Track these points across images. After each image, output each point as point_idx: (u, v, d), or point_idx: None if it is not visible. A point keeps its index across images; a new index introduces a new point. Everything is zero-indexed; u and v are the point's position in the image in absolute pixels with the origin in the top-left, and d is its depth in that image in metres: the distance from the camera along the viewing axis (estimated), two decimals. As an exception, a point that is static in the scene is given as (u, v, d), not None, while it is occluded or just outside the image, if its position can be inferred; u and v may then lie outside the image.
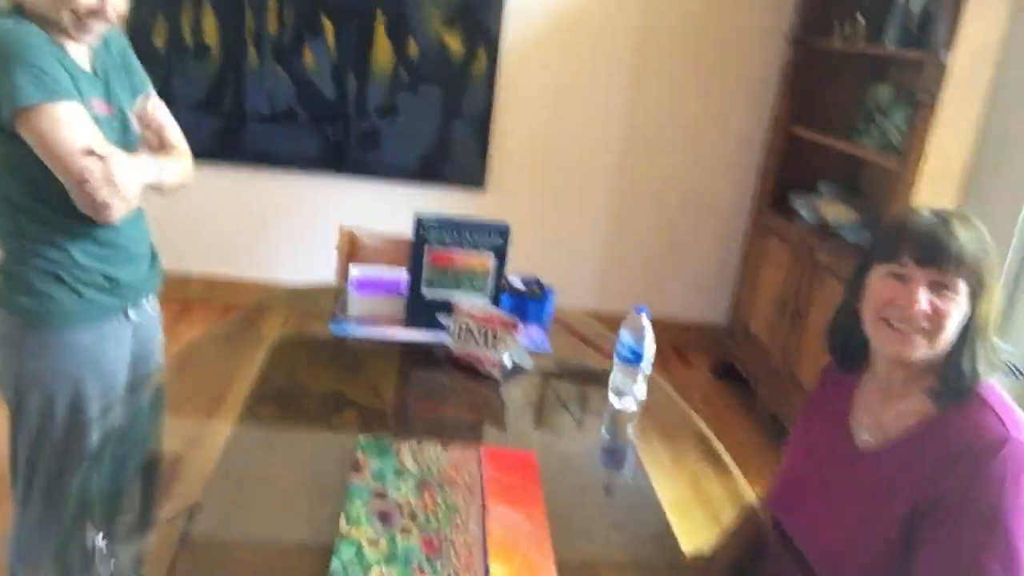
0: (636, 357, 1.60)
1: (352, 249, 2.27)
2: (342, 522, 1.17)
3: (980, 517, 1.06)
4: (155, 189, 1.52)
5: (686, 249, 3.92)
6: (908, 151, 2.59)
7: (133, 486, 1.43)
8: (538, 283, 2.10)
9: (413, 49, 3.51)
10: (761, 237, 3.48)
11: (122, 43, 1.61)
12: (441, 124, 3.60)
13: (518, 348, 1.76)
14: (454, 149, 3.64)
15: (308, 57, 3.49)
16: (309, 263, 3.74)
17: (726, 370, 3.71)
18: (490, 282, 1.87)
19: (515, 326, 1.68)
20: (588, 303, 3.94)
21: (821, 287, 2.94)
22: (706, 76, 3.66)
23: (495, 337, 1.69)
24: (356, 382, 1.69)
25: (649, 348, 1.61)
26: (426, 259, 1.84)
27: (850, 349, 1.31)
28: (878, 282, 1.20)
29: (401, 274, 2.03)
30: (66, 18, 1.37)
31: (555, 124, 3.69)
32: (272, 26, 3.44)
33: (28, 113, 1.33)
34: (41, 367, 1.47)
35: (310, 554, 1.13)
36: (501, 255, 1.85)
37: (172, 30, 3.41)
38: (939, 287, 1.15)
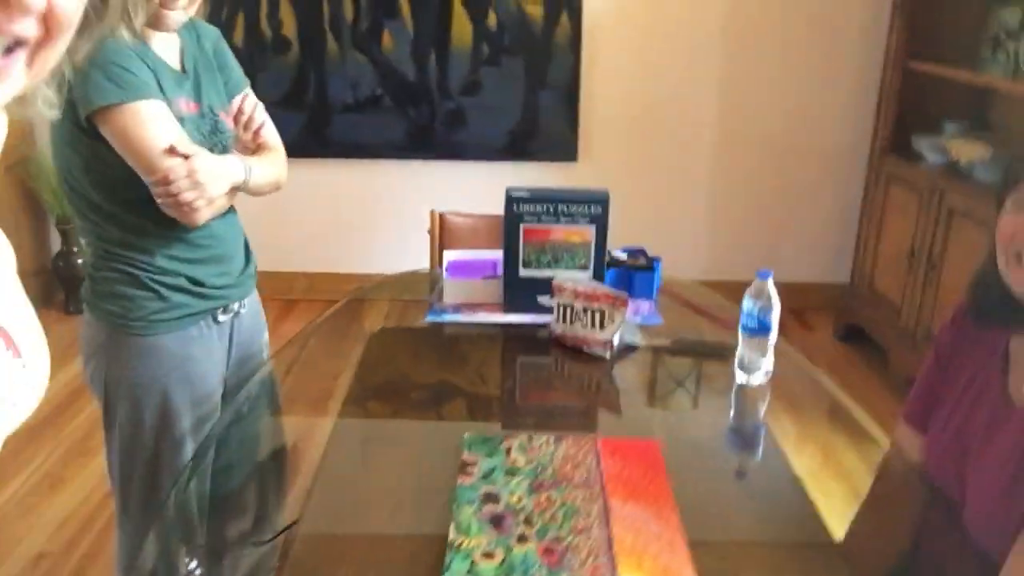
0: (763, 327, 1.43)
1: (444, 233, 2.17)
2: (452, 531, 1.06)
3: None
4: (244, 190, 1.45)
5: (799, 204, 3.66)
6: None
7: (246, 491, 1.38)
8: (644, 253, 1.94)
9: (492, 20, 3.37)
10: (883, 185, 3.20)
11: (217, 40, 1.55)
12: (527, 97, 3.46)
13: (627, 324, 1.61)
14: (542, 122, 3.50)
15: (387, 40, 3.41)
16: (406, 251, 3.65)
17: (852, 332, 3.45)
18: (592, 256, 1.73)
19: (623, 301, 1.54)
20: (697, 272, 3.72)
21: (956, 235, 2.67)
22: (809, 14, 3.39)
23: (602, 315, 1.55)
24: (459, 370, 1.59)
25: (776, 316, 1.44)
26: (521, 237, 1.71)
27: (994, 301, 1.12)
28: (1005, 216, 1.07)
29: (496, 255, 1.91)
30: (142, 4, 1.31)
31: (647, 85, 3.49)
32: (349, 13, 3.37)
33: (109, 112, 1.28)
34: (127, 373, 1.43)
35: (420, 567, 1.03)
36: (601, 226, 1.71)
37: (250, 25, 3.39)
38: None
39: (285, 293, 3.78)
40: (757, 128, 3.54)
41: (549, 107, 3.48)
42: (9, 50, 0.52)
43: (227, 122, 1.49)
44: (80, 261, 3.47)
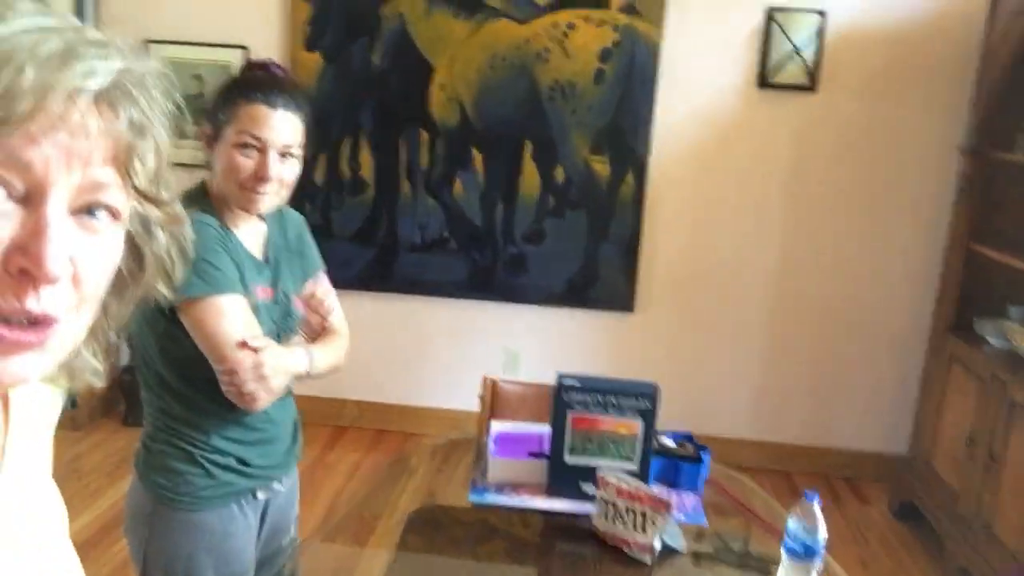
0: (808, 552, 1.41)
1: (495, 399, 2.21)
2: None
3: None
4: (303, 377, 1.51)
5: (857, 373, 3.61)
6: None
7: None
8: (691, 441, 1.94)
9: (560, 175, 3.51)
10: (944, 364, 3.15)
11: (300, 226, 1.66)
12: (588, 248, 3.55)
13: (671, 527, 1.60)
14: (601, 273, 3.57)
15: (458, 187, 3.56)
16: (458, 388, 3.72)
17: (908, 509, 3.33)
18: (638, 448, 1.74)
19: (667, 506, 1.53)
20: (746, 430, 3.70)
21: (1020, 430, 2.60)
22: (870, 191, 3.44)
23: (644, 517, 1.54)
24: (496, 558, 1.59)
25: (823, 539, 1.42)
26: (568, 424, 1.74)
27: None
28: None
29: (544, 429, 1.93)
30: (234, 191, 1.42)
31: (707, 244, 3.56)
32: (424, 160, 3.55)
33: (191, 304, 1.37)
34: (167, 546, 1.47)
35: None
36: (649, 420, 1.72)
37: (331, 166, 3.58)
38: None
39: (335, 420, 3.84)
40: (815, 294, 3.55)
41: (609, 259, 3.56)
42: (37, 322, 0.52)
43: (298, 306, 1.57)
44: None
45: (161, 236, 0.63)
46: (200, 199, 1.46)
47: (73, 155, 0.51)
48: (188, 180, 1.42)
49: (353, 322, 3.74)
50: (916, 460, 3.29)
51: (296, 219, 1.66)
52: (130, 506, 1.52)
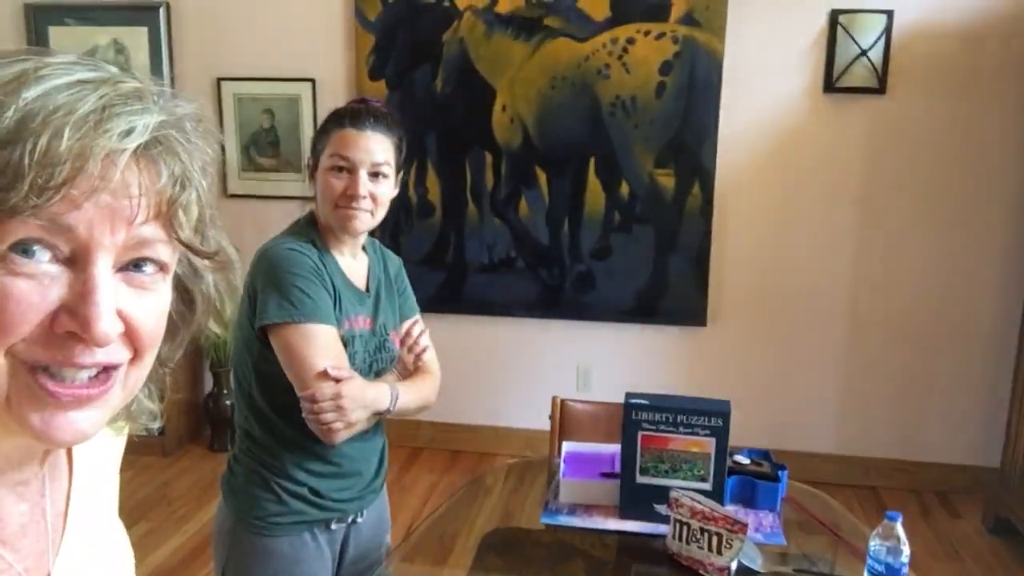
0: (892, 573, 1.36)
1: (564, 419, 2.20)
2: None
3: None
4: (388, 415, 1.54)
5: (945, 383, 3.48)
6: None
7: None
8: (768, 458, 1.90)
9: (625, 190, 3.49)
10: (1035, 371, 3.01)
11: (400, 268, 1.71)
12: (656, 263, 3.52)
13: (748, 547, 1.57)
14: (671, 287, 3.54)
15: (524, 207, 3.58)
16: (530, 407, 3.71)
17: (1003, 524, 3.18)
18: (712, 467, 1.71)
19: (743, 527, 1.50)
20: (828, 446, 3.59)
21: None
22: (948, 194, 3.32)
23: (720, 539, 1.52)
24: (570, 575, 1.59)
25: (906, 561, 1.37)
26: (639, 444, 1.72)
27: None
28: None
29: (615, 449, 1.92)
30: (330, 212, 1.47)
31: (778, 256, 3.49)
32: (490, 182, 3.58)
33: (279, 329, 1.41)
34: (239, 566, 1.51)
35: None
36: (722, 438, 1.69)
37: (399, 192, 3.63)
38: None
39: (411, 441, 3.89)
40: (896, 302, 3.44)
41: (678, 272, 3.52)
42: (98, 377, 0.53)
43: (395, 342, 1.60)
44: (228, 403, 3.71)
45: (209, 276, 0.64)
46: (307, 228, 1.52)
47: (116, 215, 0.51)
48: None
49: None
50: (1010, 473, 3.14)
51: (396, 261, 1.71)
52: (215, 524, 1.58)
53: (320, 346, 1.41)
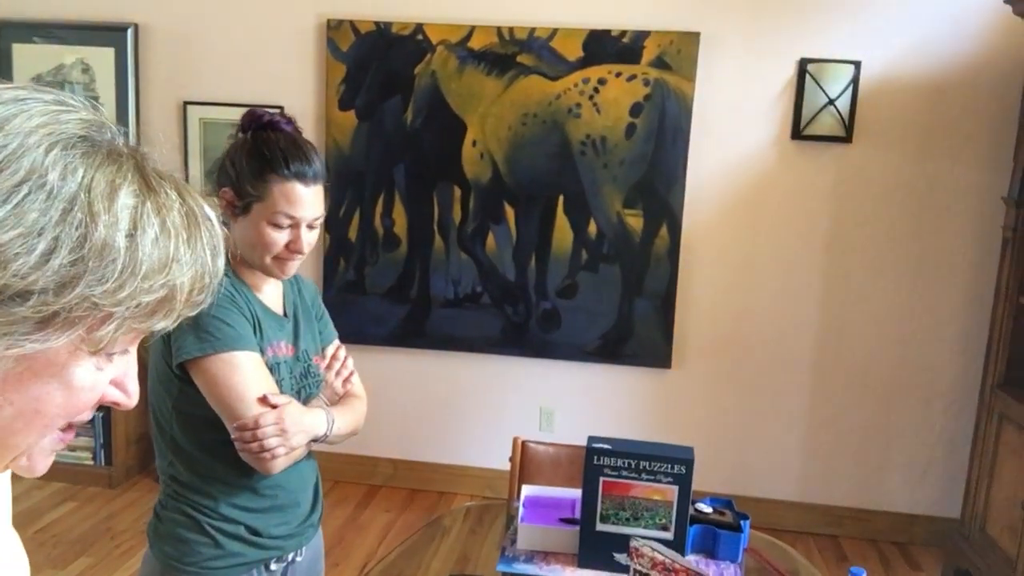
0: (853, 633, 1.32)
1: (525, 461, 2.15)
2: None
3: None
4: (323, 441, 1.48)
5: (906, 433, 3.48)
6: None
7: None
8: (731, 507, 1.86)
9: (593, 230, 3.48)
10: (995, 424, 3.02)
11: (315, 294, 1.66)
12: (622, 303, 3.51)
13: (708, 601, 1.52)
14: (637, 328, 3.51)
15: (491, 242, 3.55)
16: (491, 446, 3.66)
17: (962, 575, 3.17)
18: (674, 516, 1.67)
19: (703, 580, 1.46)
20: (790, 493, 3.57)
21: (1080, 493, 2.46)
22: (912, 244, 3.35)
23: (680, 592, 1.47)
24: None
25: (869, 619, 1.33)
26: (600, 490, 1.67)
27: None
28: None
29: (576, 494, 1.87)
30: (263, 262, 1.43)
31: (744, 300, 3.49)
32: (457, 216, 3.55)
33: (201, 363, 1.35)
34: None
35: None
36: (685, 486, 1.65)
37: (365, 223, 3.60)
38: None
39: (368, 478, 3.80)
40: (859, 350, 3.45)
41: (644, 314, 3.50)
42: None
43: (319, 367, 1.55)
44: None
45: None
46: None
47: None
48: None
49: (386, 378, 3.73)
50: (969, 524, 3.14)
51: (311, 286, 1.66)
52: (141, 574, 1.49)
53: (248, 374, 1.36)
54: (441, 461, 3.77)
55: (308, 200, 1.40)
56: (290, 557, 1.55)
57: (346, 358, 1.55)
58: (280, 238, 1.40)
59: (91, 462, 3.65)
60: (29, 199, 0.51)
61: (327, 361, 1.54)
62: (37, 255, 0.51)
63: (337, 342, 1.63)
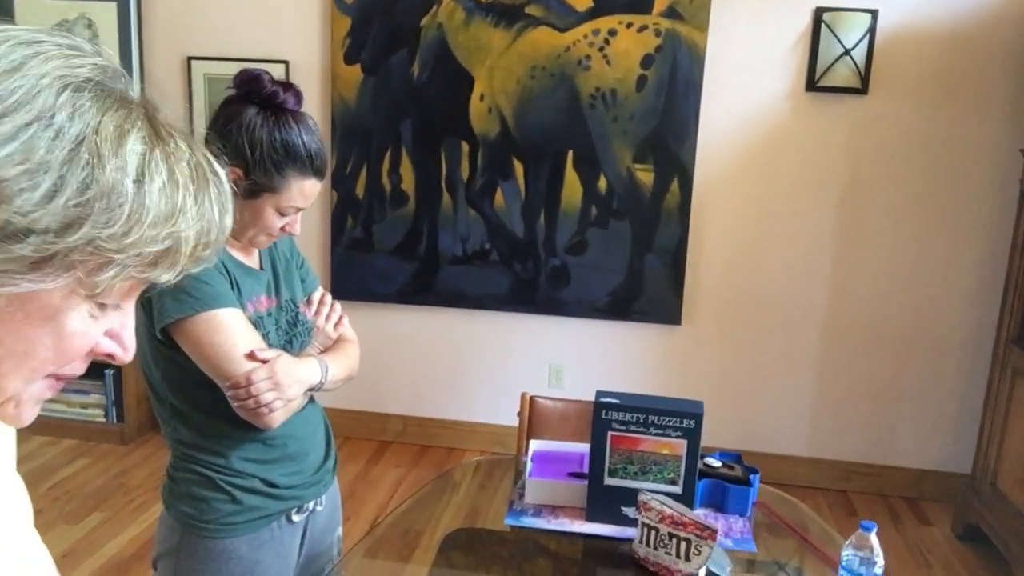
0: (863, 585, 1.31)
1: (533, 416, 2.14)
2: None
3: None
4: (319, 390, 1.47)
5: (918, 388, 3.45)
6: None
7: None
8: (739, 461, 1.85)
9: (603, 185, 3.43)
10: (1008, 379, 2.99)
11: (291, 244, 1.64)
12: (632, 259, 3.47)
13: (717, 554, 1.52)
14: (647, 284, 3.48)
15: (499, 199, 3.51)
16: (502, 403, 3.66)
17: (973, 531, 3.17)
18: (682, 470, 1.66)
19: (712, 534, 1.45)
20: (800, 448, 3.56)
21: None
22: (927, 197, 3.30)
23: (688, 545, 1.46)
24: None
25: (880, 572, 1.32)
26: (608, 444, 1.66)
27: None
28: None
29: (584, 448, 1.86)
30: (261, 238, 1.43)
31: (755, 256, 3.44)
32: (465, 172, 3.51)
33: (183, 325, 1.32)
34: (192, 575, 1.42)
35: None
36: (694, 440, 1.64)
37: (372, 180, 3.56)
38: None
39: (378, 434, 3.81)
40: (872, 305, 3.41)
41: (654, 270, 3.47)
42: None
43: (306, 314, 1.53)
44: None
45: None
46: None
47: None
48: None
49: (395, 336, 3.72)
50: (981, 480, 3.13)
51: (286, 237, 1.62)
52: (159, 537, 1.48)
53: (233, 330, 1.34)
54: (450, 417, 3.78)
55: (315, 192, 1.43)
56: (310, 506, 1.54)
57: (333, 303, 1.54)
58: (279, 222, 1.41)
59: (103, 419, 3.68)
60: (36, 136, 0.51)
61: (314, 308, 1.52)
62: (42, 192, 0.51)
63: (321, 289, 1.61)
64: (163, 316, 1.32)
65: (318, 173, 1.40)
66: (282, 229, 1.42)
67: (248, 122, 1.34)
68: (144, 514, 3.06)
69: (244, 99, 1.36)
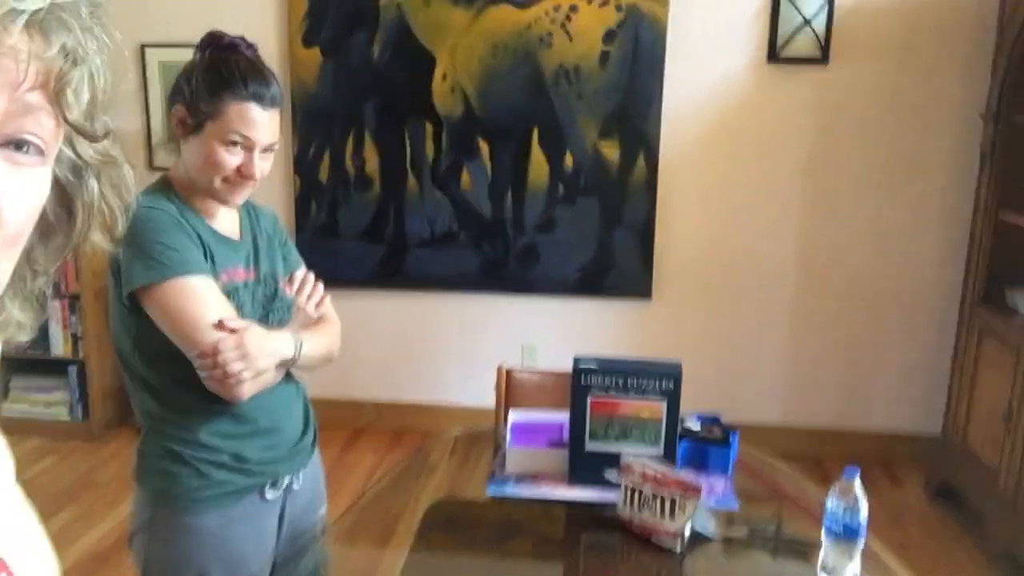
0: (849, 532, 1.32)
1: (511, 389, 2.13)
2: None
3: None
4: (293, 366, 1.44)
5: (887, 353, 3.50)
6: None
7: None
8: (719, 423, 1.85)
9: (569, 162, 3.42)
10: (975, 338, 3.04)
11: (275, 221, 1.60)
12: (601, 235, 3.47)
13: (700, 513, 1.51)
14: (616, 260, 3.48)
15: (466, 179, 3.48)
16: (476, 384, 3.63)
17: (945, 491, 3.22)
18: (662, 431, 1.65)
19: (696, 491, 1.45)
20: (773, 417, 3.59)
21: (1060, 401, 2.49)
22: (891, 164, 3.33)
23: (673, 504, 1.46)
24: (518, 552, 1.51)
25: (864, 518, 1.33)
26: (588, 409, 1.65)
27: None
28: None
29: (563, 417, 1.85)
30: (212, 184, 1.37)
31: (723, 227, 3.46)
32: (431, 153, 3.47)
33: (151, 291, 1.29)
34: (165, 551, 1.39)
35: None
36: (674, 401, 1.64)
37: (336, 163, 3.51)
38: None
39: (352, 422, 3.77)
40: (839, 273, 3.44)
41: (623, 245, 3.47)
42: None
43: (287, 292, 1.49)
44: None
45: (94, 185, 0.60)
46: (162, 189, 1.39)
47: (3, 78, 0.49)
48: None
49: (365, 321, 3.68)
50: (951, 439, 3.18)
51: (269, 213, 1.60)
52: (132, 514, 1.45)
53: (201, 298, 1.30)
54: (424, 401, 3.76)
55: (263, 123, 1.35)
56: (286, 482, 1.51)
57: (316, 282, 1.50)
58: (232, 160, 1.34)
59: (67, 417, 3.59)
60: None
61: (296, 286, 1.48)
62: None
63: (304, 268, 1.58)
64: (131, 281, 1.29)
65: (256, 97, 1.33)
66: (240, 173, 1.35)
67: (193, 62, 1.37)
68: (116, 508, 3.00)
69: (201, 51, 1.38)
